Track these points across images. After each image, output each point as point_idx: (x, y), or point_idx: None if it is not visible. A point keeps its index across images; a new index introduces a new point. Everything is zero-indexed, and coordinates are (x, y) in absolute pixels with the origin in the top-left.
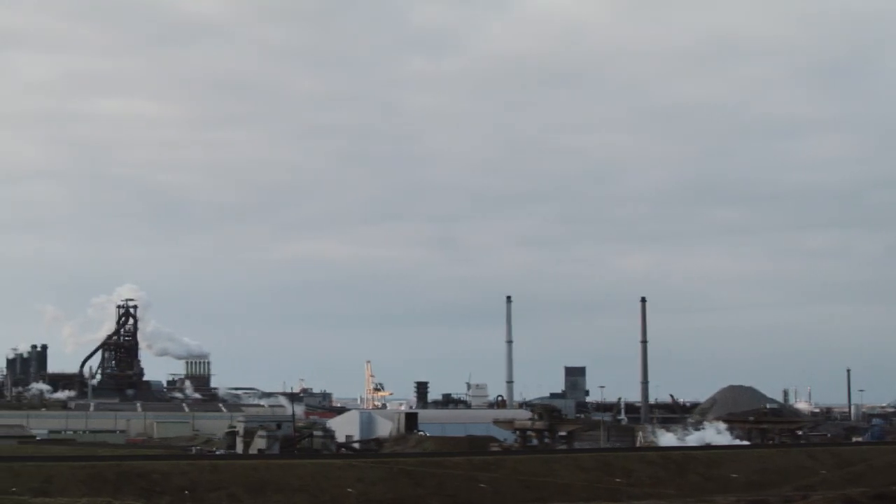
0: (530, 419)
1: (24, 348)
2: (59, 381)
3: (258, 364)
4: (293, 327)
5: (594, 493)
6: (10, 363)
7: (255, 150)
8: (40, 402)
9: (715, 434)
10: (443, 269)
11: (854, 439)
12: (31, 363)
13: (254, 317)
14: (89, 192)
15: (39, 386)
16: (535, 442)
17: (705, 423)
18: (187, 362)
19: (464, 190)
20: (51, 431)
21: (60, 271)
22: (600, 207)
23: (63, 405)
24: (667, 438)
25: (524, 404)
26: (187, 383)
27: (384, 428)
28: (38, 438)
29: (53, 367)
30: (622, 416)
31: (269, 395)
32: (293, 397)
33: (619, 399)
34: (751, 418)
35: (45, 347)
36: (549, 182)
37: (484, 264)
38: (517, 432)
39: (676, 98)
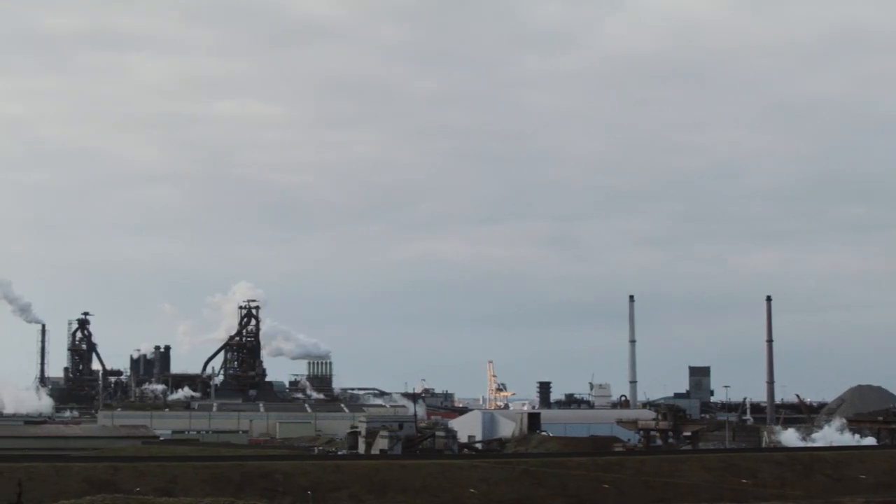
0: (654, 419)
1: (146, 349)
2: (181, 381)
3: (379, 364)
4: (413, 327)
5: (719, 494)
6: (134, 364)
7: (371, 150)
8: (163, 403)
9: (837, 433)
10: (563, 269)
11: None
12: (155, 364)
13: (373, 317)
14: (206, 194)
15: (153, 387)
16: (658, 442)
17: (827, 422)
18: (309, 363)
19: (583, 189)
20: (174, 432)
21: (179, 272)
22: (723, 205)
23: (186, 405)
24: (788, 437)
25: (648, 404)
26: (307, 383)
27: (507, 428)
28: (161, 439)
29: (176, 367)
30: (747, 416)
31: (384, 394)
32: (414, 397)
33: (745, 399)
34: (879, 418)
35: (167, 348)
36: (669, 180)
37: (604, 263)
38: (641, 432)
39: (799, 94)
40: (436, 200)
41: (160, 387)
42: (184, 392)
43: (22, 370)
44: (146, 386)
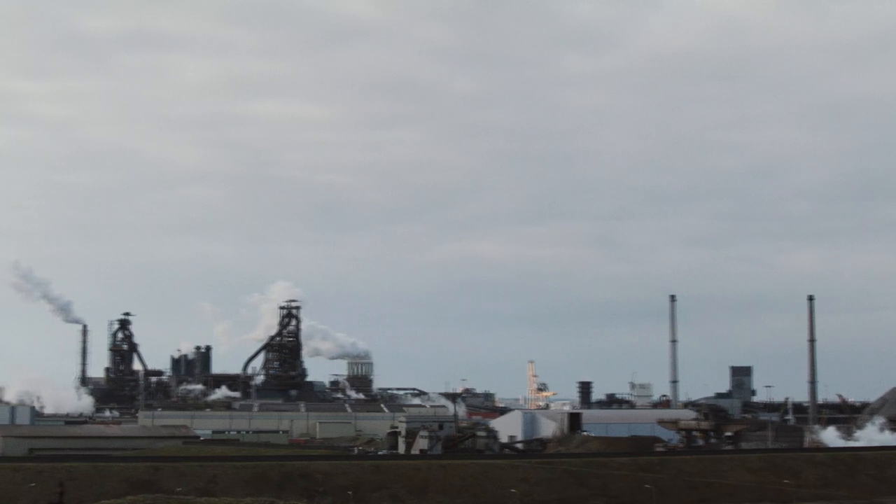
0: (696, 419)
1: (187, 349)
2: (222, 381)
3: (419, 364)
4: (454, 327)
5: (761, 494)
6: (175, 364)
7: (413, 150)
8: (203, 403)
9: (879, 433)
10: (604, 268)
11: None
12: (195, 364)
13: (414, 317)
14: (248, 195)
15: (192, 387)
16: (700, 442)
17: (870, 422)
18: (349, 363)
19: (625, 188)
20: (214, 432)
21: (220, 272)
22: (766, 205)
23: (227, 406)
24: (828, 436)
25: (689, 404)
26: (346, 383)
27: (548, 428)
28: (202, 439)
29: (217, 367)
30: (789, 416)
31: (423, 394)
32: (454, 397)
33: (787, 399)
34: None
35: (208, 348)
36: (712, 179)
37: (646, 263)
38: (682, 432)
39: (843, 93)
40: (477, 200)
41: (197, 387)
42: (222, 392)
43: (61, 370)
44: (183, 386)
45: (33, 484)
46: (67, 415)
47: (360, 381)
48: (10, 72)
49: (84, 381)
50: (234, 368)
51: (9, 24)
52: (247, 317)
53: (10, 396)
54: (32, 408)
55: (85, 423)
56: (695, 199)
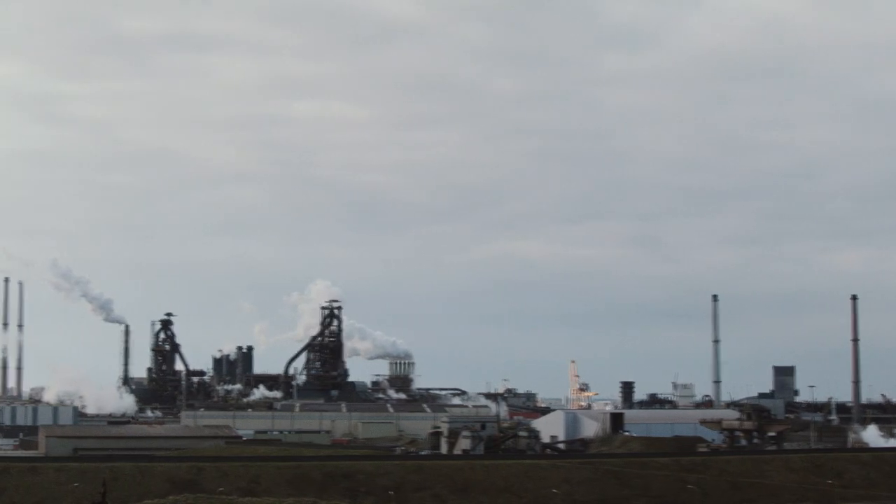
0: (738, 419)
1: (229, 349)
2: (264, 381)
3: (461, 364)
4: (495, 327)
5: (804, 494)
6: (216, 364)
7: (453, 150)
8: (245, 404)
9: None
10: (645, 268)
11: None
12: (237, 364)
13: (455, 317)
14: (288, 195)
15: (229, 386)
16: (743, 442)
17: None
18: (390, 363)
19: (666, 188)
20: (257, 432)
21: (260, 272)
22: (809, 203)
23: (269, 406)
24: (869, 435)
25: (732, 404)
26: (386, 383)
27: (589, 428)
28: (244, 439)
29: (259, 367)
30: (833, 416)
31: (462, 393)
32: (496, 397)
33: (830, 399)
34: None
35: (250, 349)
36: (754, 178)
37: (688, 263)
38: (725, 433)
39: (887, 90)
40: (517, 200)
41: (235, 387)
42: (260, 392)
43: (102, 370)
44: (221, 386)
45: (76, 484)
46: (110, 415)
47: (401, 380)
48: (51, 73)
49: (126, 381)
50: (275, 368)
51: (49, 26)
52: (286, 316)
53: (50, 396)
54: (75, 408)
55: (128, 423)
56: (737, 199)
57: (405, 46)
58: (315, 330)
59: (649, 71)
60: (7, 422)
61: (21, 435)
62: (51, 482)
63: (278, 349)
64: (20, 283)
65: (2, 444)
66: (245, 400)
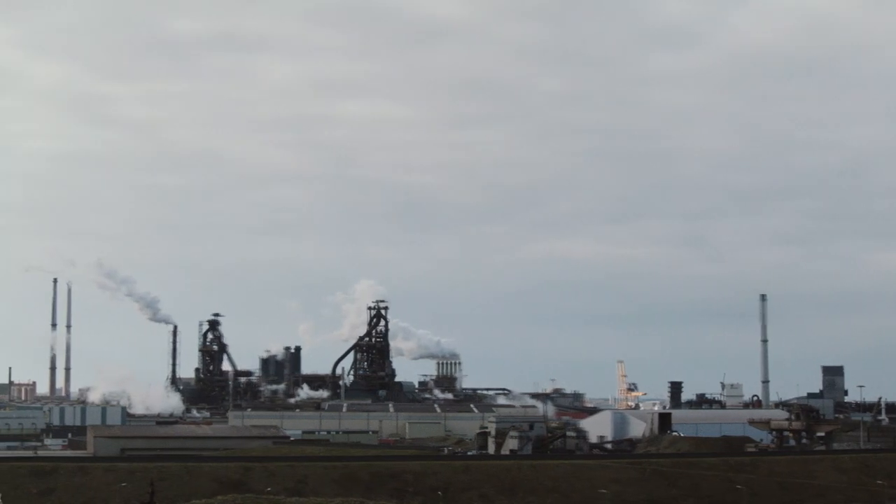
0: (787, 419)
1: (276, 349)
2: (311, 382)
3: (508, 365)
4: (542, 327)
5: (854, 495)
6: (264, 364)
7: (499, 150)
8: (293, 404)
9: None
10: (693, 268)
11: None
12: (285, 364)
13: (501, 317)
14: (334, 195)
15: (273, 386)
16: (792, 443)
17: None
18: (438, 363)
19: (713, 187)
20: (304, 432)
21: (306, 272)
22: (856, 202)
23: (316, 406)
24: None
25: (780, 404)
26: (432, 383)
27: (637, 428)
28: (291, 439)
29: (306, 367)
30: (882, 416)
31: (509, 393)
32: (543, 397)
33: (880, 399)
34: None
35: (297, 349)
36: (801, 177)
37: (736, 262)
38: (773, 433)
39: None
40: (563, 200)
41: (279, 387)
42: (304, 392)
43: (148, 370)
44: (265, 386)
45: (125, 484)
46: (158, 415)
47: (447, 380)
48: (98, 74)
49: (174, 381)
50: (321, 368)
51: (96, 28)
52: (330, 316)
53: (95, 397)
54: (123, 408)
55: (175, 423)
56: (784, 198)
57: (451, 46)
58: (361, 330)
59: (695, 70)
60: (56, 422)
61: (70, 435)
62: (99, 482)
63: (324, 349)
64: (68, 284)
65: (51, 444)
66: (291, 400)
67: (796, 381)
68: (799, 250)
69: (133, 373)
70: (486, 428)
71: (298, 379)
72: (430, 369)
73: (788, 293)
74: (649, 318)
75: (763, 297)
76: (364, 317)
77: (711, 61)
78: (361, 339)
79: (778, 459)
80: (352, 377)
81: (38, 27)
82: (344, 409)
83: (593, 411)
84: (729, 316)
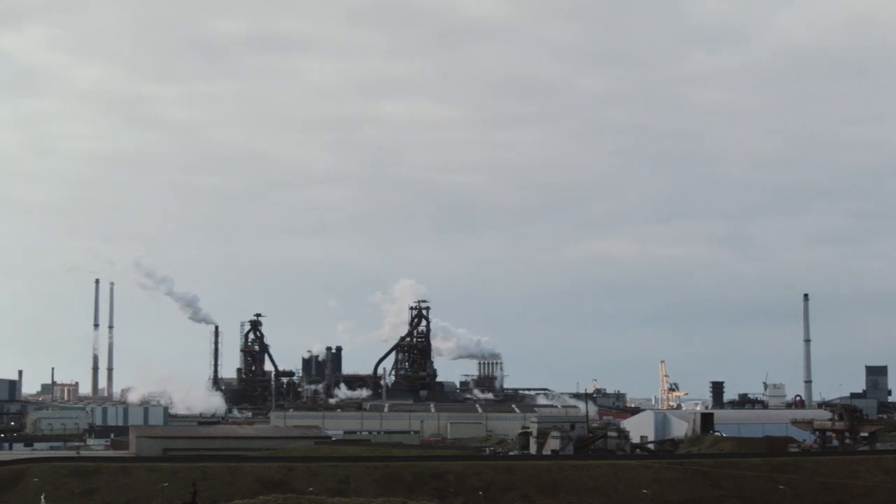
0: (830, 419)
1: (318, 350)
2: (352, 382)
3: (549, 364)
4: (583, 327)
5: None
6: (305, 364)
7: (540, 150)
8: (335, 404)
9: None
10: (734, 267)
11: None
12: (326, 364)
13: (542, 317)
14: (375, 195)
15: (310, 386)
16: (835, 443)
17: None
18: (479, 363)
19: (754, 186)
20: (346, 432)
21: (347, 272)
22: None
23: (357, 406)
24: None
25: (823, 404)
26: (472, 383)
27: (679, 428)
28: (333, 439)
29: (346, 367)
30: None
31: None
32: (585, 397)
33: None
34: None
35: (339, 349)
36: (844, 176)
37: (777, 262)
38: (816, 433)
39: None
40: (605, 200)
41: (316, 387)
42: (341, 392)
43: (190, 371)
44: (305, 386)
45: (167, 484)
46: (200, 415)
47: (487, 380)
48: (139, 76)
49: (216, 381)
50: (361, 368)
51: (138, 30)
52: (370, 316)
53: (135, 397)
54: (166, 408)
55: (217, 423)
56: (826, 197)
57: (493, 46)
58: (401, 330)
59: (737, 68)
60: (98, 422)
61: (112, 435)
62: (141, 482)
63: (364, 349)
64: (110, 284)
65: (93, 444)
66: (331, 401)
67: (839, 380)
68: (842, 249)
69: (173, 373)
70: (528, 428)
71: (339, 379)
72: (468, 369)
73: (831, 292)
74: (691, 318)
75: (806, 297)
76: (404, 317)
77: (753, 60)
78: (403, 339)
79: (821, 460)
80: (393, 377)
81: (79, 29)
82: (385, 410)
83: (635, 411)
84: (771, 315)
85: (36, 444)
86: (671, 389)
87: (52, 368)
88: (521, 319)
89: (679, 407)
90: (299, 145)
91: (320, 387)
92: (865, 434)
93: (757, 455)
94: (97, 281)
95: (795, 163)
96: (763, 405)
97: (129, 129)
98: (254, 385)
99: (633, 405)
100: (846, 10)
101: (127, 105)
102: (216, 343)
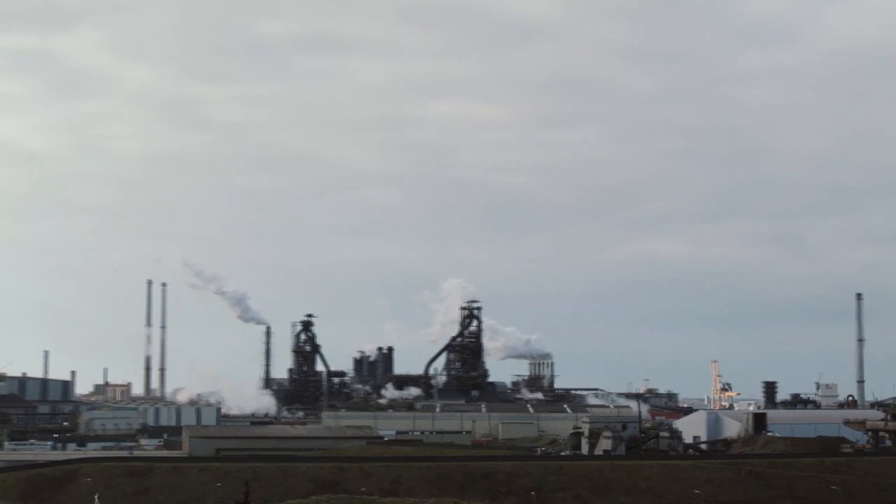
0: (883, 420)
1: (370, 350)
2: (403, 382)
3: (600, 365)
4: (635, 327)
5: None
6: (357, 364)
7: (589, 149)
8: (387, 404)
9: None
10: (787, 267)
11: None
12: (378, 364)
13: (594, 317)
14: (425, 196)
15: (358, 386)
16: (888, 443)
17: None
18: (530, 363)
19: (806, 185)
20: (398, 432)
21: (397, 273)
22: None
23: (409, 406)
24: None
25: (876, 404)
26: (522, 383)
27: (732, 428)
28: (385, 439)
29: (397, 368)
30: None
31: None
32: (637, 397)
33: None
34: None
35: (390, 349)
36: None
37: (830, 261)
38: (870, 433)
39: None
40: (655, 199)
41: (363, 387)
42: (389, 392)
43: (242, 371)
44: (356, 386)
45: (219, 484)
46: (252, 415)
47: (538, 380)
48: (189, 77)
49: (268, 382)
50: (412, 368)
51: (187, 30)
52: (419, 316)
53: (185, 397)
54: (218, 409)
55: (270, 423)
56: (879, 196)
57: (542, 46)
58: (451, 329)
59: (790, 66)
60: (151, 422)
61: (165, 435)
62: (194, 482)
63: (414, 348)
64: (163, 285)
65: (146, 444)
66: (382, 401)
67: (893, 380)
68: (895, 248)
69: (224, 373)
70: (580, 428)
71: (389, 379)
72: (518, 369)
73: (885, 292)
74: (743, 318)
75: (859, 296)
76: (453, 316)
77: (807, 58)
78: (454, 339)
79: (874, 460)
80: (444, 377)
81: (129, 31)
82: (437, 410)
83: (688, 411)
84: (824, 315)
85: (89, 445)
86: (724, 389)
87: (105, 369)
88: (571, 319)
89: (731, 407)
90: (350, 146)
91: (368, 386)
92: None
93: (810, 455)
94: (149, 281)
95: (848, 162)
96: (815, 405)
97: (180, 131)
98: (305, 385)
99: (685, 405)
100: None
101: (177, 106)
102: (268, 343)
